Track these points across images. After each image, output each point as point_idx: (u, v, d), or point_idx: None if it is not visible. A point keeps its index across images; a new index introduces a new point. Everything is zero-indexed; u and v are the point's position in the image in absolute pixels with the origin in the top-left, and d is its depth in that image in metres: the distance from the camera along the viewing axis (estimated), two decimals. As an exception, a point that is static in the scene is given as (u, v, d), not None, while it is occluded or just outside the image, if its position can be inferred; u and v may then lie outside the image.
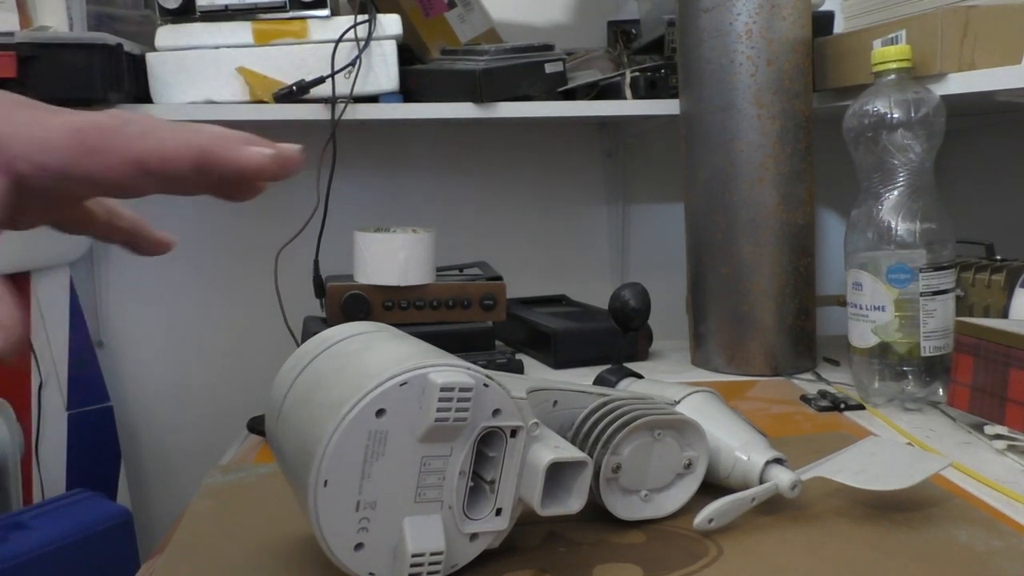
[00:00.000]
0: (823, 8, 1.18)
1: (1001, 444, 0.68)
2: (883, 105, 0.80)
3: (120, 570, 0.99)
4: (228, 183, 0.36)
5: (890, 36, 0.90)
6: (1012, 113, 1.21)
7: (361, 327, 0.51)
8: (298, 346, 0.52)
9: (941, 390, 0.80)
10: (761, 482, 0.54)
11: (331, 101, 1.11)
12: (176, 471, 1.45)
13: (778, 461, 0.55)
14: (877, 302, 0.81)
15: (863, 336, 0.82)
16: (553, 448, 0.46)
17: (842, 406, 0.82)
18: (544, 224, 1.49)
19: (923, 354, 0.79)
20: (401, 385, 0.42)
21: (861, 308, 0.82)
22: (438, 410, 0.42)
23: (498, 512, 0.46)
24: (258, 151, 0.35)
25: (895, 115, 0.79)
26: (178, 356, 1.43)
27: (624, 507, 0.53)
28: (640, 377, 0.68)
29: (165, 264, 1.40)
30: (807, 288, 0.98)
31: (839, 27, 1.18)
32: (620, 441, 0.52)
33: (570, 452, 0.46)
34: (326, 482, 0.41)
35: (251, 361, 1.42)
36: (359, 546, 0.43)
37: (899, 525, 0.53)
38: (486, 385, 0.44)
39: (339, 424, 0.41)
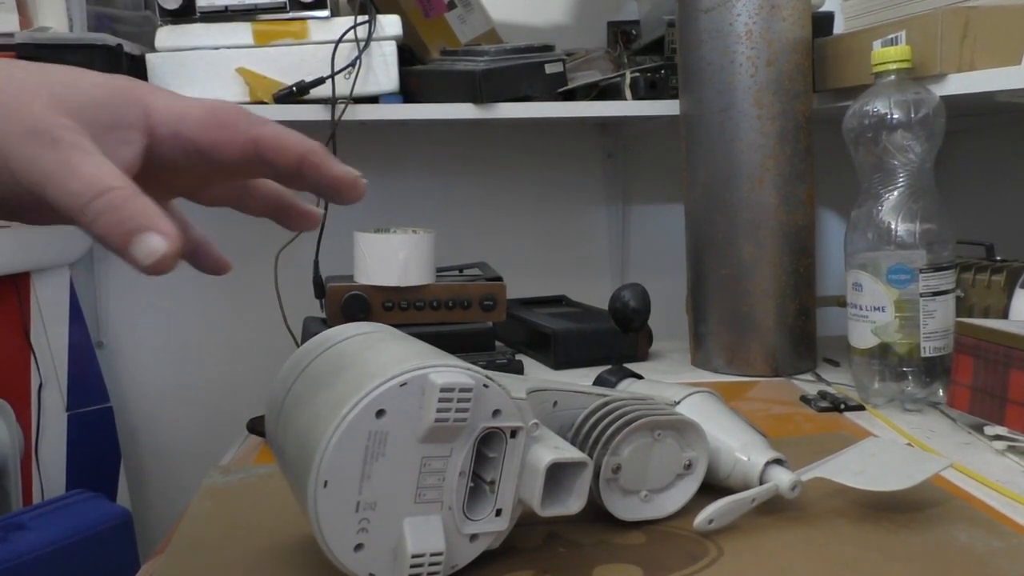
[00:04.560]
0: (823, 9, 1.18)
1: (1001, 445, 0.68)
2: (883, 106, 0.80)
3: (120, 571, 0.99)
4: (318, 189, 0.41)
5: (890, 37, 0.90)
6: (1012, 114, 1.21)
7: (361, 328, 0.51)
8: (298, 346, 0.52)
9: (941, 391, 0.80)
10: (761, 483, 0.54)
11: (331, 102, 1.11)
12: (176, 471, 1.45)
13: (778, 462, 0.55)
14: (877, 303, 0.81)
15: (863, 337, 0.82)
16: (553, 449, 0.46)
17: (842, 407, 0.82)
18: (544, 224, 1.49)
19: (923, 355, 0.79)
20: (401, 386, 0.42)
21: (861, 309, 0.82)
22: (438, 411, 0.42)
23: (498, 513, 0.46)
24: (349, 168, 0.40)
25: (895, 116, 0.79)
26: (178, 356, 1.43)
27: (624, 508, 0.53)
28: (640, 378, 0.68)
29: (165, 264, 1.40)
30: (807, 289, 0.98)
31: (839, 28, 1.18)
32: (620, 442, 0.52)
33: (570, 453, 0.46)
34: (326, 483, 0.41)
35: (251, 361, 1.42)
36: (359, 547, 0.43)
37: (899, 526, 0.53)
38: (486, 386, 0.44)
39: (339, 424, 0.41)
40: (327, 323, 0.99)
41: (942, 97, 0.81)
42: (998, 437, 0.69)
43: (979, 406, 0.71)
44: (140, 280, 1.41)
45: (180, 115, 0.38)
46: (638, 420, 0.52)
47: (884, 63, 0.82)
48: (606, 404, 0.54)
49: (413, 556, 0.43)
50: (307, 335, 0.99)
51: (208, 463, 0.70)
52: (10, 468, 1.13)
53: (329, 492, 0.41)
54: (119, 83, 0.37)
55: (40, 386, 1.26)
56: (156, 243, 0.33)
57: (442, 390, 0.42)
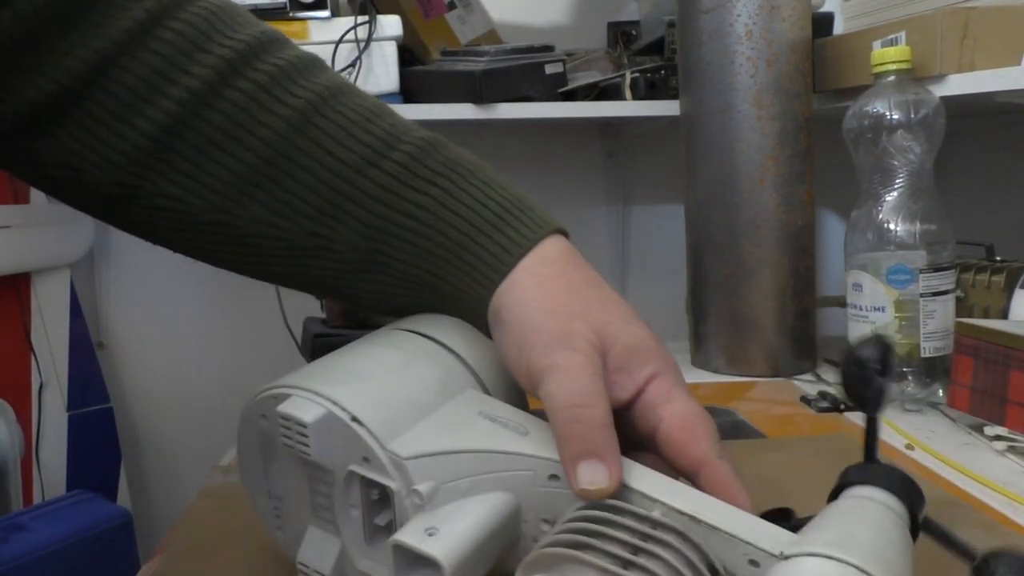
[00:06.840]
0: (823, 9, 1.18)
1: (1001, 445, 0.68)
2: (883, 106, 0.80)
3: (120, 571, 0.99)
4: None
5: (890, 37, 0.90)
6: (1012, 114, 1.21)
7: (394, 326, 0.47)
8: (298, 347, 0.51)
9: (941, 391, 0.80)
10: None
11: (331, 102, 1.11)
12: (176, 471, 1.45)
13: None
14: (877, 303, 0.81)
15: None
16: (422, 531, 0.36)
17: (842, 407, 0.82)
18: (544, 225, 1.48)
19: (923, 355, 0.79)
20: (274, 398, 0.40)
21: (861, 309, 0.82)
22: (282, 435, 0.39)
23: None
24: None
25: (895, 116, 0.79)
26: (178, 356, 1.43)
27: None
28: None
29: (165, 265, 1.40)
30: (807, 289, 0.98)
31: (839, 28, 1.18)
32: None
33: (433, 544, 0.35)
34: (243, 462, 0.43)
35: (251, 362, 1.42)
36: (279, 529, 0.44)
37: (899, 526, 0.53)
38: (348, 425, 0.38)
39: (241, 414, 0.42)
40: (327, 323, 0.99)
41: (942, 98, 0.81)
42: (998, 437, 0.69)
43: (979, 406, 0.71)
44: (140, 281, 1.41)
45: (668, 398, 0.39)
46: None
47: (884, 64, 0.82)
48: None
49: (299, 563, 0.41)
50: (307, 335, 0.99)
51: (208, 463, 0.70)
52: (10, 469, 1.13)
53: (245, 471, 0.43)
54: (653, 343, 0.41)
55: (40, 386, 1.26)
56: (600, 474, 0.35)
57: (282, 417, 0.38)
